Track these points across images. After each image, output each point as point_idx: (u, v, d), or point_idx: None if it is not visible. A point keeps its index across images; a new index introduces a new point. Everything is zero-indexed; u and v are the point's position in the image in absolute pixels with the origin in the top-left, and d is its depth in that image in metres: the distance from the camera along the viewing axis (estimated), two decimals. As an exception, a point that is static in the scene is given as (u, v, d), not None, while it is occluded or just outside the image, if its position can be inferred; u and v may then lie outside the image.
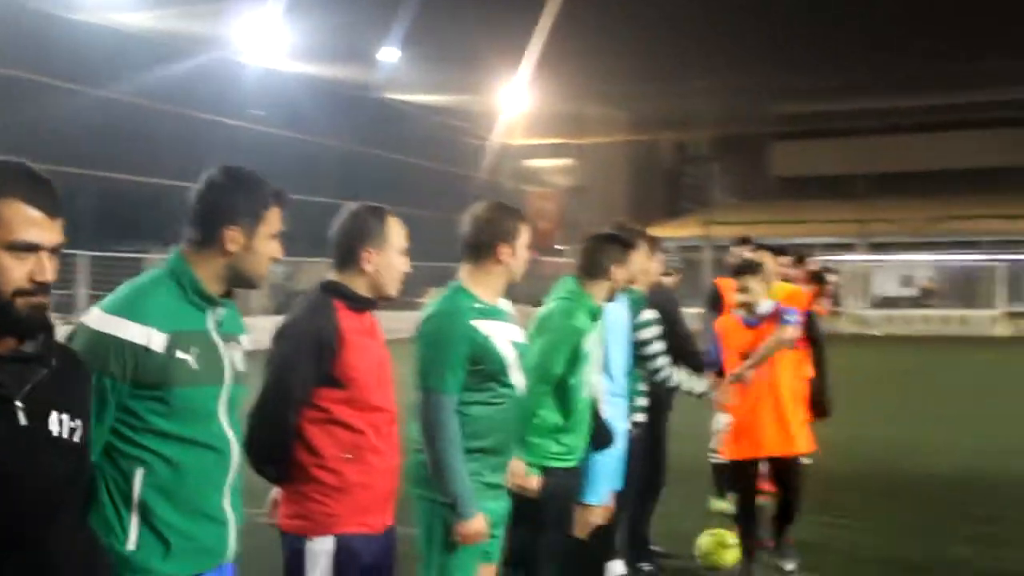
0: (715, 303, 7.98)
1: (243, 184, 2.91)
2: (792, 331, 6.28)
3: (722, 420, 6.66)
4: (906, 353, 27.49)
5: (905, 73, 41.06)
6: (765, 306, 6.39)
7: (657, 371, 5.85)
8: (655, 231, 9.05)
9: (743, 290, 6.42)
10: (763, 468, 6.60)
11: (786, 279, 7.80)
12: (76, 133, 26.80)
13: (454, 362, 3.85)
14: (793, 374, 6.48)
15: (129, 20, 28.76)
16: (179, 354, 2.71)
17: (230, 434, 2.84)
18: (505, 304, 4.24)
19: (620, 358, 5.59)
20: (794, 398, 6.42)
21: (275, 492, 3.61)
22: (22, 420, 2.12)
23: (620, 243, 5.12)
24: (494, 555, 4.24)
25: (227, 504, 2.84)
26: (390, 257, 3.56)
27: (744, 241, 8.63)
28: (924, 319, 37.41)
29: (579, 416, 4.85)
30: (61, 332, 2.48)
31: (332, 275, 3.59)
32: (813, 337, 7.13)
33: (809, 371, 7.06)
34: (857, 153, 47.34)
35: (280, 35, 31.02)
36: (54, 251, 2.20)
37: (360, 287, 3.53)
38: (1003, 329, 35.36)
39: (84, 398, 2.40)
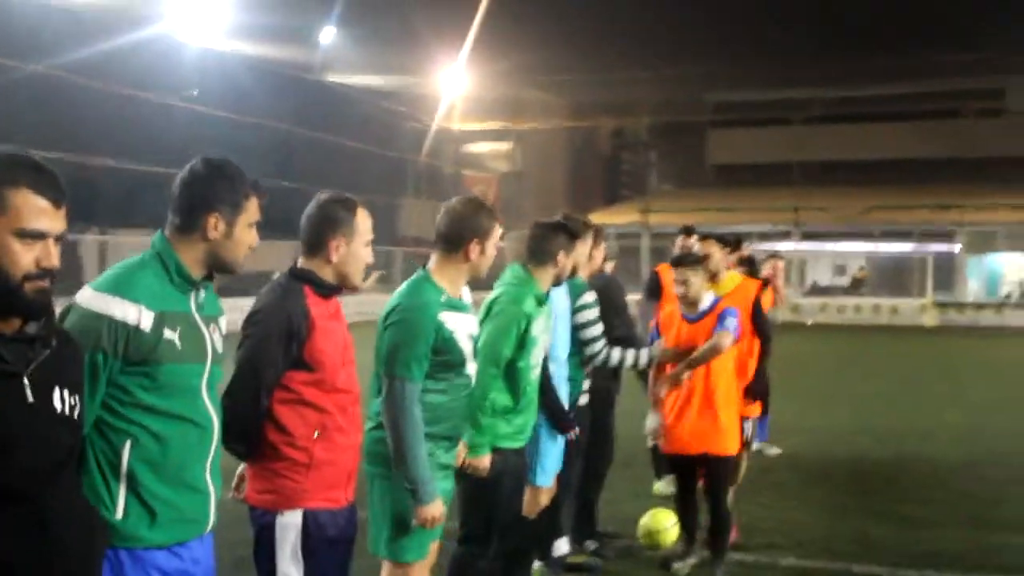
0: (654, 290, 8.09)
1: (224, 175, 3.05)
2: (729, 338, 6.12)
3: (654, 418, 6.44)
4: (838, 341, 28.01)
5: (840, 65, 41.72)
6: (706, 301, 6.30)
7: (596, 353, 5.96)
8: (593, 217, 9.13)
9: (682, 283, 6.26)
10: None
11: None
12: (2, 108, 26.22)
13: (421, 352, 3.99)
14: (729, 372, 6.34)
15: (61, -7, 28.20)
16: (166, 333, 2.85)
17: (212, 410, 2.99)
18: (466, 295, 4.36)
19: (563, 342, 5.72)
20: (728, 396, 6.28)
21: (241, 469, 3.69)
22: (29, 396, 2.26)
23: (566, 231, 5.24)
24: (440, 532, 4.33)
25: (209, 476, 2.99)
26: (357, 248, 3.68)
27: (688, 231, 8.61)
28: (856, 308, 38.11)
29: (528, 398, 4.98)
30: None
31: (300, 261, 3.69)
32: (760, 330, 7.10)
33: (752, 365, 7.07)
34: (792, 142, 48.04)
35: (218, 13, 30.57)
36: (58, 238, 2.33)
37: (327, 275, 3.65)
38: (931, 319, 36.15)
39: (80, 375, 2.55)
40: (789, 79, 44.84)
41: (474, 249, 4.21)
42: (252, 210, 3.10)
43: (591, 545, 6.70)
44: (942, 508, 8.43)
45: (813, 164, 48.95)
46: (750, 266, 9.02)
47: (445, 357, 4.08)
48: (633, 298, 8.15)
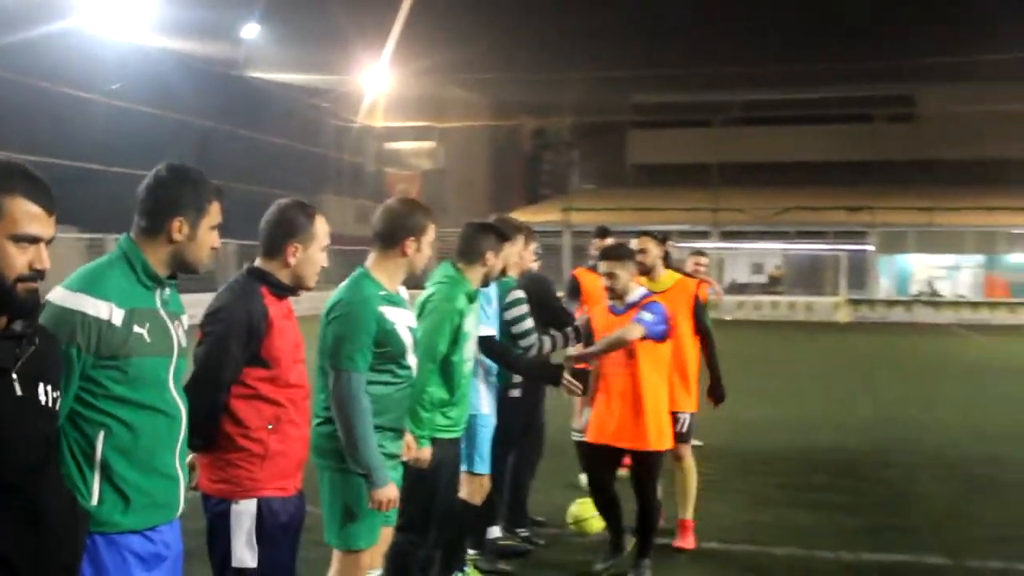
0: (573, 292, 8.25)
1: (188, 180, 3.21)
2: (639, 331, 5.97)
3: (586, 414, 6.47)
4: (755, 337, 28.61)
5: (759, 69, 42.54)
6: (634, 294, 6.22)
7: (530, 346, 6.17)
8: (515, 216, 9.25)
9: (609, 275, 6.18)
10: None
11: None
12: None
13: (364, 344, 4.17)
14: (659, 369, 6.21)
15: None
16: (135, 328, 2.99)
17: (179, 400, 3.14)
18: (403, 291, 4.54)
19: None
20: (657, 394, 6.16)
21: (191, 458, 3.78)
22: (18, 391, 2.39)
23: (495, 232, 5.42)
24: (391, 518, 4.54)
25: (178, 463, 3.14)
26: (314, 253, 3.85)
27: (603, 232, 8.60)
28: (773, 305, 38.95)
29: (462, 391, 5.17)
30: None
31: (258, 262, 3.84)
32: (700, 327, 7.08)
33: (693, 362, 7.06)
34: (711, 144, 48.82)
35: (142, 8, 30.13)
36: (49, 242, 2.47)
37: (283, 276, 3.81)
38: (844, 315, 37.10)
39: (58, 369, 2.68)
40: (709, 82, 45.62)
41: (411, 246, 4.42)
42: (214, 213, 3.24)
43: (522, 531, 6.94)
44: (855, 494, 8.86)
45: (731, 165, 49.80)
46: (666, 262, 9.22)
47: (387, 349, 4.27)
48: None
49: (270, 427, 3.64)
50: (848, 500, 8.63)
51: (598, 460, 6.33)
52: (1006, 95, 42.83)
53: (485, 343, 5.69)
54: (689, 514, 7.05)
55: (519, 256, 6.42)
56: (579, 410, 7.60)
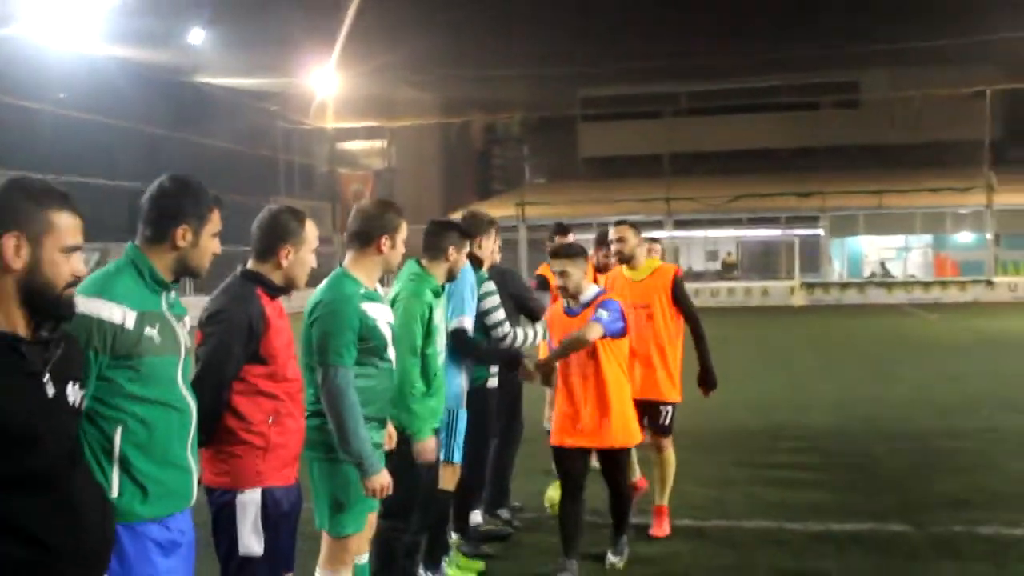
0: (544, 288, 8.33)
1: (190, 190, 3.39)
2: (598, 330, 5.82)
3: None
4: (712, 322, 28.85)
5: (705, 59, 43.01)
6: (588, 293, 6.07)
7: (504, 336, 6.32)
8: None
9: (561, 274, 6.02)
10: None
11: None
12: None
13: (349, 340, 4.36)
14: (620, 365, 6.07)
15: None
16: (146, 330, 3.19)
17: (188, 396, 3.33)
18: (379, 288, 4.70)
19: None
20: (619, 388, 6.02)
21: None
22: (49, 391, 2.55)
23: (457, 229, 5.60)
24: (375, 504, 4.69)
25: (190, 455, 3.33)
26: (304, 256, 4.06)
27: (563, 230, 8.35)
28: (729, 291, 39.44)
29: (438, 381, 5.32)
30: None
31: (251, 264, 4.03)
32: (685, 312, 7.06)
33: (677, 352, 7.10)
34: (661, 135, 49.16)
35: (85, 15, 29.83)
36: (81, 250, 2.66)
37: (276, 278, 4.00)
38: (799, 299, 37.63)
39: (82, 370, 2.85)
40: (656, 74, 46.06)
41: (385, 244, 4.61)
42: (215, 221, 3.44)
43: (504, 515, 7.11)
44: (819, 468, 9.16)
45: (682, 155, 50.22)
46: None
47: (370, 344, 4.45)
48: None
49: (270, 420, 3.82)
50: (813, 474, 8.92)
51: (566, 462, 6.12)
52: (946, 79, 43.60)
53: (452, 337, 5.82)
54: (665, 500, 7.13)
55: (494, 249, 6.60)
56: (549, 401, 7.71)
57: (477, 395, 6.15)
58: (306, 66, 41.22)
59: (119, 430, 3.11)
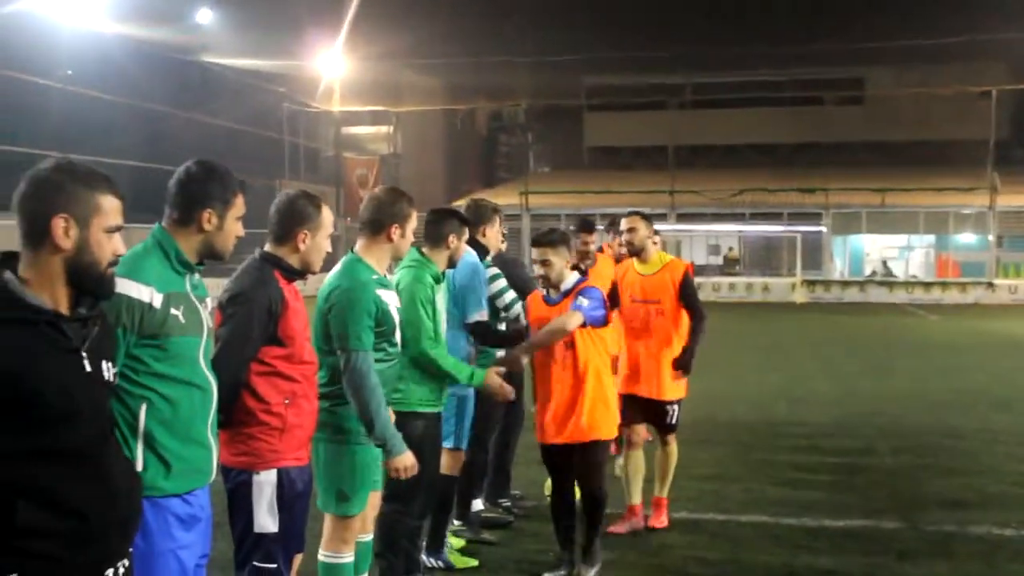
0: None
1: (216, 175, 3.51)
2: (577, 319, 5.60)
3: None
4: (714, 317, 28.94)
5: (712, 52, 42.99)
6: (568, 281, 5.86)
7: (517, 317, 6.44)
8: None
9: (543, 263, 5.80)
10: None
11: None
12: None
13: (367, 324, 4.49)
14: (601, 354, 5.84)
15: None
16: (172, 310, 3.30)
17: (209, 376, 3.44)
18: (389, 275, 4.82)
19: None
20: (598, 381, 5.78)
21: None
22: (87, 367, 2.64)
23: (457, 216, 5.69)
24: (379, 483, 4.85)
25: (210, 433, 3.44)
26: (321, 240, 4.16)
27: (587, 226, 8.05)
28: (730, 286, 39.50)
29: (447, 362, 5.38)
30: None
31: (268, 248, 4.13)
32: (691, 307, 6.92)
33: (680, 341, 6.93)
34: (666, 127, 49.22)
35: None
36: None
37: (293, 261, 4.10)
38: (800, 296, 37.68)
39: (114, 348, 2.98)
40: (663, 65, 46.00)
41: (395, 232, 4.73)
42: (239, 205, 3.55)
43: (504, 503, 7.22)
44: (816, 464, 9.27)
45: (686, 148, 50.25)
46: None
47: (383, 328, 4.58)
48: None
49: (287, 402, 3.93)
50: (809, 470, 9.02)
51: (550, 460, 5.98)
52: (952, 77, 43.62)
53: (472, 328, 5.97)
54: (665, 492, 7.18)
55: (499, 236, 6.73)
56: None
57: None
58: (313, 49, 41.21)
59: (144, 407, 3.23)
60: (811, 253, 41.95)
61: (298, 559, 4.14)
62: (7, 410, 2.47)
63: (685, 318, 6.98)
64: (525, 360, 5.78)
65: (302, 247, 4.09)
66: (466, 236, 5.74)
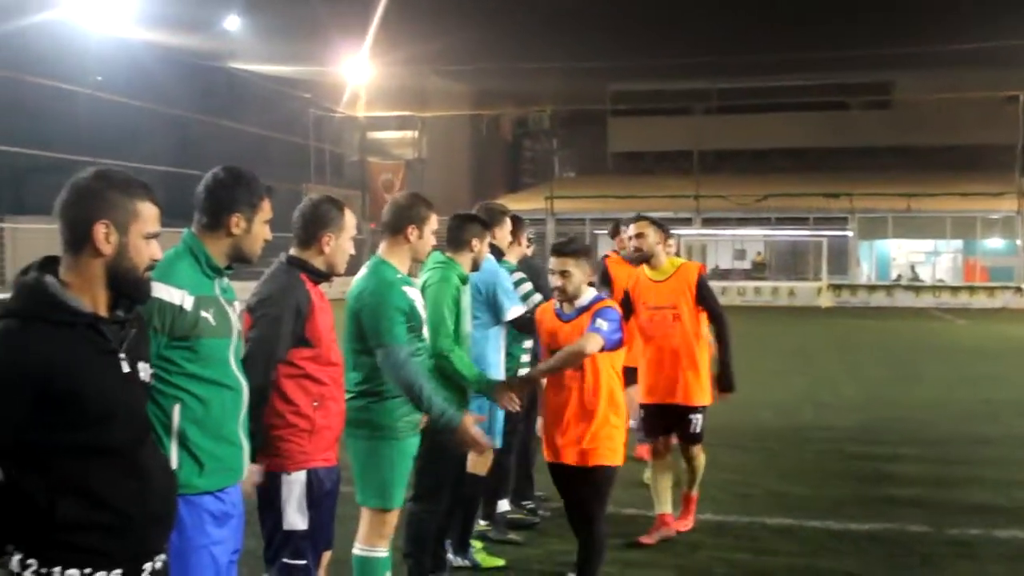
0: (605, 280, 8.45)
1: (243, 180, 3.61)
2: (597, 342, 5.16)
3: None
4: (739, 322, 28.90)
5: (737, 57, 42.88)
6: (585, 298, 5.42)
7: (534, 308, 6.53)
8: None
9: (562, 274, 5.35)
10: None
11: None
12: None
13: (400, 319, 4.62)
14: (614, 377, 5.39)
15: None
16: (203, 313, 3.41)
17: (240, 376, 3.54)
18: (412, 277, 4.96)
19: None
20: (612, 403, 5.33)
21: None
22: (125, 368, 2.74)
23: (478, 221, 5.83)
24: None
25: (241, 432, 3.54)
26: (344, 242, 4.27)
27: (634, 218, 7.46)
28: (756, 290, 39.40)
29: (463, 363, 5.46)
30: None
31: (293, 251, 4.23)
32: (711, 312, 6.82)
33: (705, 352, 6.89)
34: (691, 131, 49.11)
35: (123, 1, 30.18)
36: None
37: (318, 264, 4.21)
38: (826, 300, 37.55)
39: (149, 350, 3.03)
40: (688, 70, 45.93)
41: (412, 233, 4.89)
42: (266, 209, 3.65)
43: (528, 504, 7.28)
44: (841, 468, 9.27)
45: (711, 152, 50.15)
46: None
47: (411, 323, 4.70)
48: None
49: (315, 404, 4.03)
50: (834, 474, 9.03)
51: (561, 482, 5.52)
52: (980, 82, 43.32)
53: (515, 322, 6.13)
54: (695, 491, 7.14)
55: (517, 241, 6.81)
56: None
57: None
58: (339, 55, 41.47)
59: (178, 407, 3.33)
60: (837, 258, 41.73)
61: (326, 556, 4.23)
62: (49, 409, 2.56)
63: (702, 320, 6.92)
64: (543, 383, 5.41)
65: (326, 250, 4.20)
66: (488, 239, 5.87)
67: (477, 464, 6.04)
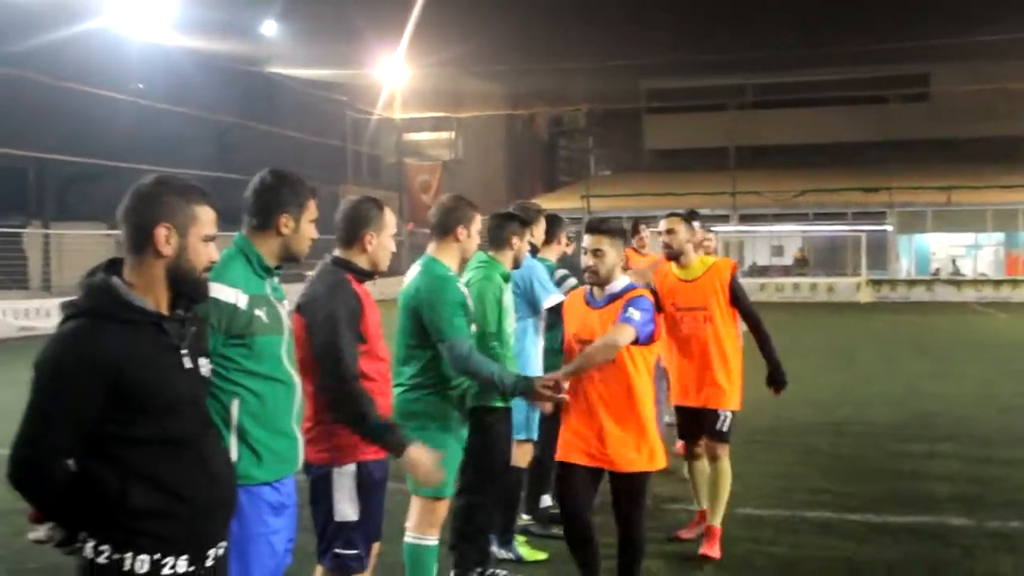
0: None
1: (288, 181, 3.78)
2: (629, 333, 4.85)
3: None
4: (778, 318, 28.82)
5: (772, 52, 42.71)
6: (617, 285, 5.14)
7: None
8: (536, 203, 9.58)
9: (595, 252, 5.07)
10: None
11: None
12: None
13: (458, 313, 4.84)
14: (646, 373, 5.07)
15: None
16: (256, 311, 3.57)
17: (292, 372, 3.68)
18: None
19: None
20: (645, 402, 5.02)
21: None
22: (188, 364, 2.92)
23: (517, 219, 5.96)
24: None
25: (295, 425, 3.70)
26: (385, 240, 4.40)
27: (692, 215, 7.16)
28: (795, 286, 39.22)
29: (509, 360, 5.61)
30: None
31: (338, 252, 4.38)
32: (744, 311, 6.58)
33: (736, 353, 6.64)
34: (727, 127, 48.98)
35: (161, 8, 30.61)
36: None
37: (362, 263, 4.35)
38: (865, 296, 37.32)
39: (208, 346, 3.21)
40: (723, 66, 45.79)
41: (462, 233, 5.11)
42: (312, 209, 3.81)
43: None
44: (880, 463, 9.32)
45: (748, 148, 49.95)
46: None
47: (467, 317, 4.92)
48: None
49: None
50: (874, 468, 9.07)
51: (568, 484, 5.15)
52: (1018, 72, 42.86)
53: (554, 310, 6.24)
54: (718, 521, 6.55)
55: (557, 240, 7.05)
56: None
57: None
58: (375, 57, 41.79)
59: (236, 402, 3.49)
60: (876, 253, 41.46)
61: (375, 547, 4.37)
62: (119, 402, 2.72)
63: (733, 321, 6.62)
64: (566, 385, 4.97)
65: (369, 248, 4.32)
66: (528, 236, 6.02)
67: (518, 457, 6.17)
